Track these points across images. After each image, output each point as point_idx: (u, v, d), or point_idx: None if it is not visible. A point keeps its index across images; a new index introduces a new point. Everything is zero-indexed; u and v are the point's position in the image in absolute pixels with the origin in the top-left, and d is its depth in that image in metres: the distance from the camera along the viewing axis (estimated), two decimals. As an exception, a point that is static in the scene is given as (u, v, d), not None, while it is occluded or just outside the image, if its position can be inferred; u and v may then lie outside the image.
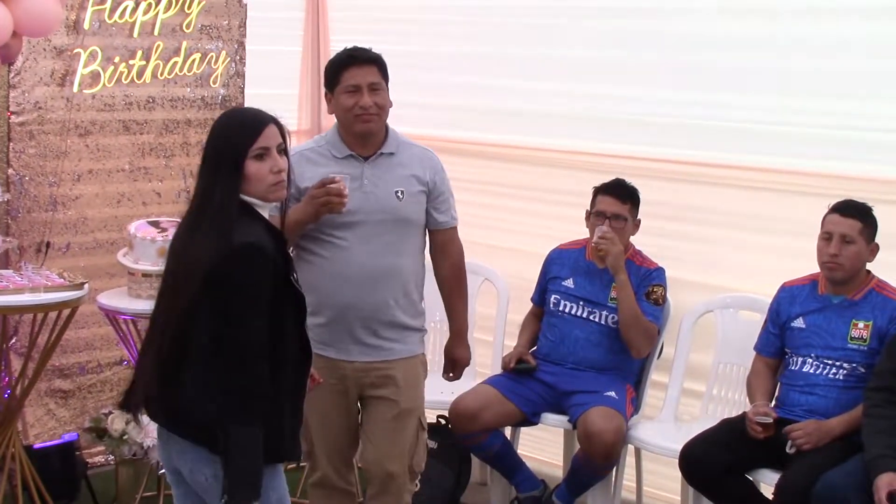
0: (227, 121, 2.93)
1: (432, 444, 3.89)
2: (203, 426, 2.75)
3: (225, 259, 2.73)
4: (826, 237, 3.96)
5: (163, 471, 4.05)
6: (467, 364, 4.04)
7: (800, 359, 4.04)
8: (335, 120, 3.77)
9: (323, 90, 3.80)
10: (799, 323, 4.07)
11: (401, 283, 3.74)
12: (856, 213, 3.94)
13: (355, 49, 3.73)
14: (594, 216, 4.53)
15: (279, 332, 2.80)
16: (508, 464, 4.54)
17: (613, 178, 4.58)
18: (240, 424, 2.70)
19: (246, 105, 5.49)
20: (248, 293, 2.74)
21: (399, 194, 3.72)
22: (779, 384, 4.14)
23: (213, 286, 2.73)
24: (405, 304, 3.75)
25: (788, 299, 4.13)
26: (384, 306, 3.70)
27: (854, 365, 3.93)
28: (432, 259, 3.91)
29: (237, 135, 2.84)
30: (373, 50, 3.74)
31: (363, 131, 3.70)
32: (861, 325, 3.95)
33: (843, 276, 3.97)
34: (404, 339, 3.77)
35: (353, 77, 3.66)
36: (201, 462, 2.80)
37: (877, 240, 3.98)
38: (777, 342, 4.15)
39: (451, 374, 4.03)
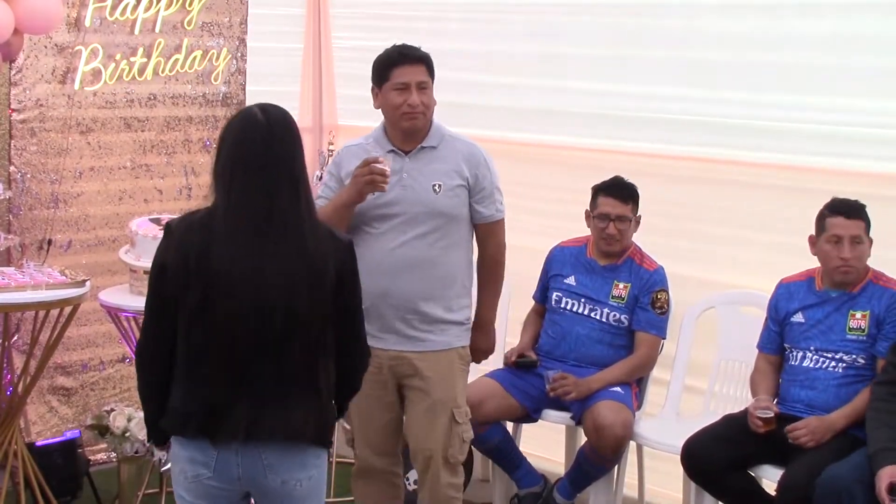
0: None
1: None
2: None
3: None
4: (834, 240, 3.95)
5: (165, 468, 4.05)
6: (486, 351, 4.04)
7: (799, 353, 4.05)
8: (382, 116, 3.84)
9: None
10: (798, 318, 4.08)
11: (435, 276, 3.78)
12: (859, 214, 3.94)
13: (405, 47, 3.79)
14: (597, 218, 4.53)
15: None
16: (509, 458, 4.55)
17: (612, 176, 4.58)
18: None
19: (247, 103, 5.50)
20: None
21: (436, 188, 3.77)
22: (780, 380, 4.15)
23: None
24: (439, 297, 3.79)
25: (786, 295, 4.13)
26: (415, 297, 3.75)
27: (853, 357, 3.94)
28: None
29: None
30: (422, 48, 3.80)
31: (409, 128, 3.77)
32: (859, 315, 3.95)
33: (857, 277, 3.98)
34: (440, 332, 3.81)
35: (402, 75, 3.73)
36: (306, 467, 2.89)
37: (877, 237, 3.99)
38: (778, 339, 4.15)
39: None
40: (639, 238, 4.60)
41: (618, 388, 4.40)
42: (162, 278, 2.80)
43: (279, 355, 2.77)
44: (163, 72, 5.22)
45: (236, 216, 2.77)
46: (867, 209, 3.97)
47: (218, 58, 5.39)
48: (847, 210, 3.95)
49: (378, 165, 3.62)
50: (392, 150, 3.79)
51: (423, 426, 3.82)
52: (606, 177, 4.59)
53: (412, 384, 3.82)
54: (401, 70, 3.73)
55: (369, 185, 3.62)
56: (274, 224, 2.77)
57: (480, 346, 4.00)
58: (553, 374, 4.42)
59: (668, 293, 4.52)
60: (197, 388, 2.79)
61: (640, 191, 4.55)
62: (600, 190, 4.56)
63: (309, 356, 2.82)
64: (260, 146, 2.80)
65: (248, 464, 2.80)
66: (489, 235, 3.91)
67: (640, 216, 4.56)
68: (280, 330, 2.77)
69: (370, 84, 3.83)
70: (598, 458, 4.34)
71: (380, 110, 3.83)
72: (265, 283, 2.76)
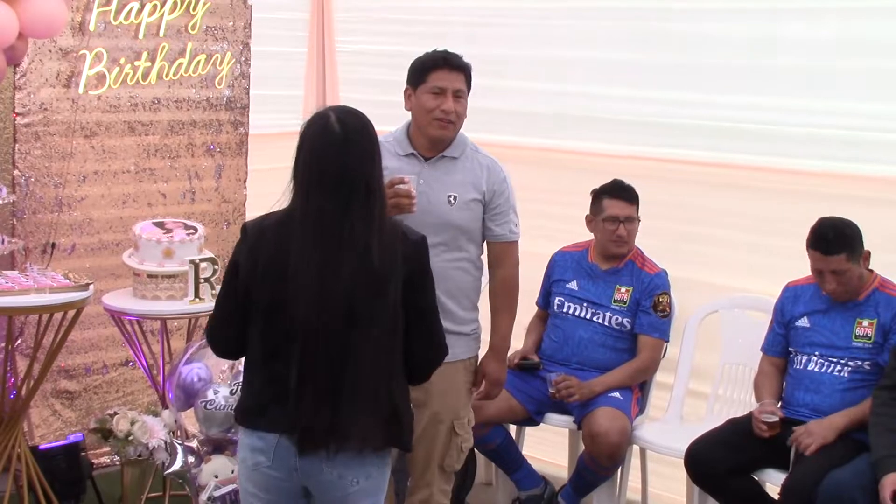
0: None
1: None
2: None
3: None
4: (819, 274, 3.95)
5: (168, 471, 4.05)
6: (496, 380, 3.85)
7: (804, 357, 4.05)
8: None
9: (405, 86, 3.74)
10: (804, 322, 4.08)
11: (441, 289, 3.59)
12: (839, 248, 3.88)
13: (448, 52, 3.72)
14: (606, 221, 4.52)
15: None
16: (510, 460, 4.55)
17: (611, 179, 4.58)
18: None
19: (251, 107, 5.51)
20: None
21: (451, 199, 3.69)
22: (784, 384, 4.14)
23: None
24: (446, 311, 3.63)
25: (792, 298, 4.13)
26: None
27: (859, 363, 3.94)
28: (488, 270, 3.86)
29: None
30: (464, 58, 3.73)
31: (438, 136, 3.69)
32: (865, 323, 3.95)
33: (847, 298, 3.97)
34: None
35: (440, 79, 3.66)
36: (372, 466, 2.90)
37: (879, 241, 3.98)
38: (783, 342, 4.15)
39: (478, 388, 3.87)
40: (641, 241, 4.60)
41: (617, 394, 4.39)
42: (234, 274, 2.88)
43: (345, 360, 2.77)
44: (167, 76, 5.22)
45: (309, 223, 2.79)
46: (875, 211, 3.95)
47: (222, 62, 5.39)
48: (824, 247, 3.90)
49: (403, 187, 3.49)
50: (412, 154, 3.71)
51: (421, 438, 3.73)
52: (608, 180, 4.59)
53: (414, 395, 3.73)
54: (440, 74, 3.66)
55: (395, 208, 3.46)
56: (340, 232, 2.77)
57: (491, 372, 3.83)
58: (555, 377, 4.43)
59: (670, 296, 4.52)
60: (270, 382, 2.83)
61: (642, 194, 4.56)
62: (604, 193, 4.56)
63: (376, 361, 2.80)
64: (335, 157, 2.79)
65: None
66: (503, 257, 3.80)
67: (639, 218, 4.57)
68: (344, 336, 2.76)
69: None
70: (595, 466, 4.34)
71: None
72: (326, 290, 2.76)
